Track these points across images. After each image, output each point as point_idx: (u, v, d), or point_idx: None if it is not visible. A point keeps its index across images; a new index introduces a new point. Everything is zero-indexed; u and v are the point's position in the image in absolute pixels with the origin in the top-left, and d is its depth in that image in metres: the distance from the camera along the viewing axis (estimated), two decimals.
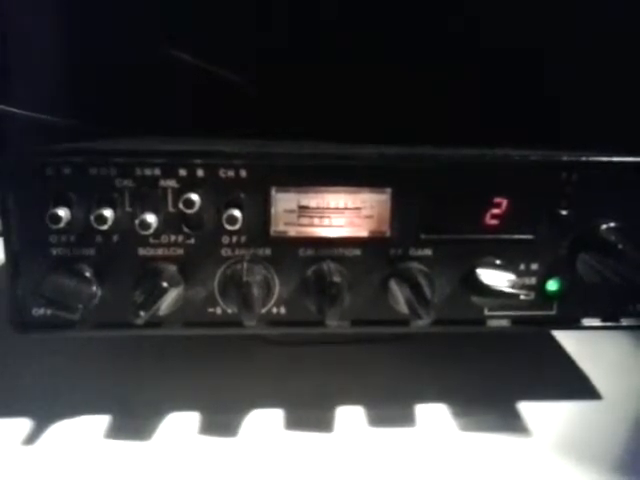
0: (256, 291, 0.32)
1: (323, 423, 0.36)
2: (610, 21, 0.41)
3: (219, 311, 0.35)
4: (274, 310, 0.35)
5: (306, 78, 0.44)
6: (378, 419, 0.37)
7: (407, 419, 0.37)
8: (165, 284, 0.32)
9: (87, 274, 0.33)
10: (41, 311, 0.34)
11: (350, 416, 0.37)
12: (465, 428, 0.36)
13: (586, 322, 0.37)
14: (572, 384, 0.41)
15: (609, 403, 0.39)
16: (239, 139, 0.37)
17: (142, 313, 0.31)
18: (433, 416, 0.37)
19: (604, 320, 0.37)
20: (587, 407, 0.39)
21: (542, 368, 0.43)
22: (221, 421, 0.36)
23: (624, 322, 0.37)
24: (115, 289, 0.34)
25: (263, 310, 0.34)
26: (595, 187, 0.35)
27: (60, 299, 0.33)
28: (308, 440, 0.35)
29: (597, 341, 0.45)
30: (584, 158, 0.35)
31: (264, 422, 0.36)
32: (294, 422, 0.36)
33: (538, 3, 0.43)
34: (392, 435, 0.36)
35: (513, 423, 0.37)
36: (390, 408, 0.38)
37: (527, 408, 0.38)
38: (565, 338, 0.45)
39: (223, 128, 0.39)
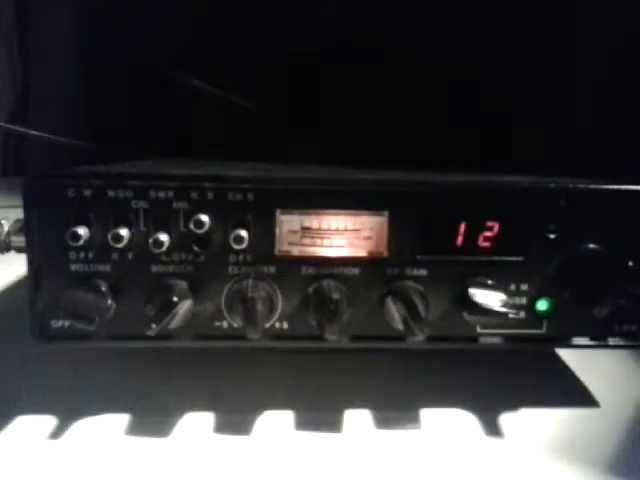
0: (260, 306, 0.34)
1: (326, 423, 0.38)
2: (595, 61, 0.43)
3: (225, 325, 0.37)
4: (277, 325, 0.37)
5: (311, 109, 0.47)
6: (377, 422, 0.38)
7: (407, 422, 0.38)
8: (176, 299, 0.34)
9: (103, 289, 0.35)
10: (60, 323, 0.36)
11: (349, 417, 0.39)
12: (464, 433, 0.38)
13: (575, 341, 0.39)
14: (570, 392, 0.42)
15: (606, 410, 0.40)
16: (247, 163, 0.39)
17: (154, 326, 0.34)
18: (432, 419, 0.39)
19: (592, 339, 0.39)
20: (585, 414, 0.40)
21: (540, 376, 0.44)
22: (230, 420, 0.38)
23: (611, 342, 0.39)
24: (129, 303, 0.36)
25: (267, 325, 0.36)
26: (581, 212, 0.37)
27: (77, 312, 0.34)
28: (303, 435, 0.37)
29: (595, 352, 0.45)
30: (571, 185, 0.37)
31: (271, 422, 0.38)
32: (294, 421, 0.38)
33: (533, 51, 0.45)
34: (393, 438, 0.37)
35: (509, 428, 0.38)
36: (390, 411, 0.39)
37: (525, 414, 0.40)
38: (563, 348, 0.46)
39: (232, 153, 0.41)
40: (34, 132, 0.41)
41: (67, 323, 0.36)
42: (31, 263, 0.36)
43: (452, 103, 0.46)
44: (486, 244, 0.37)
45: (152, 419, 0.38)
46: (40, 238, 0.35)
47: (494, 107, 0.46)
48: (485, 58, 0.46)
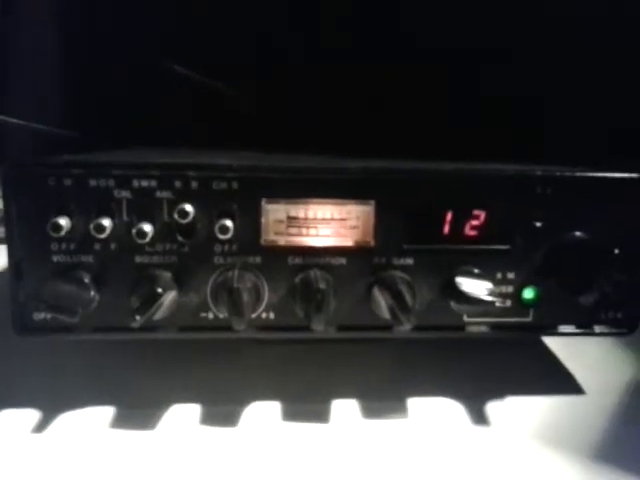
0: (246, 297, 0.34)
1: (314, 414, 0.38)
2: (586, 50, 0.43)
3: (211, 316, 0.37)
4: (263, 315, 0.37)
5: (297, 96, 0.46)
6: (367, 411, 0.38)
7: (393, 412, 0.38)
8: (160, 290, 0.34)
9: (86, 280, 0.35)
10: (42, 315, 0.36)
11: (339, 408, 0.39)
12: (450, 421, 0.38)
13: (561, 329, 0.39)
14: (556, 379, 0.42)
15: (592, 398, 0.40)
16: (232, 152, 0.39)
17: (138, 317, 0.33)
18: (421, 408, 0.39)
19: (578, 327, 0.39)
20: (571, 401, 0.40)
21: (526, 364, 0.44)
22: (217, 412, 0.38)
23: (597, 329, 0.39)
24: (112, 294, 0.35)
25: (253, 315, 0.36)
26: (567, 200, 0.37)
27: (60, 304, 0.34)
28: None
29: (580, 339, 0.45)
30: (557, 173, 0.37)
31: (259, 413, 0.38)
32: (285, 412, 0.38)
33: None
34: (381, 427, 0.37)
35: (496, 416, 0.38)
36: (379, 401, 0.39)
37: (511, 402, 0.40)
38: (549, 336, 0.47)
39: (217, 141, 0.41)
40: (14, 120, 0.41)
41: (49, 315, 0.35)
42: (12, 255, 0.35)
43: (438, 91, 0.46)
44: (472, 233, 0.37)
45: (137, 411, 0.38)
46: (20, 229, 0.35)
47: (480, 96, 0.46)
48: (475, 44, 0.46)
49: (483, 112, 0.46)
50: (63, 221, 0.33)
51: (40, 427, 0.36)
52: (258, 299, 0.36)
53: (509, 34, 0.45)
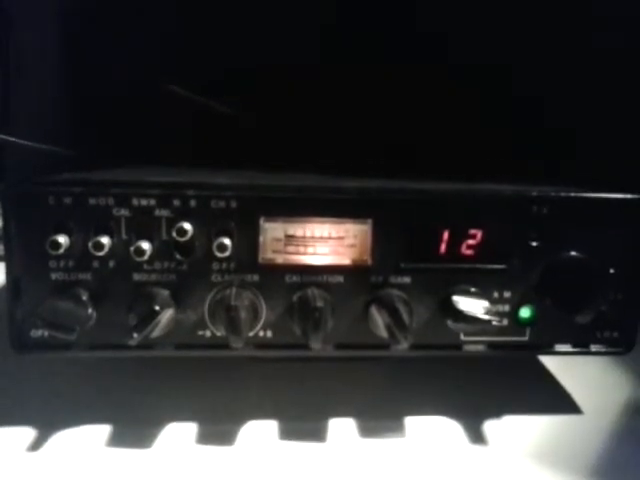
0: (243, 315, 0.34)
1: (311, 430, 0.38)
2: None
3: (208, 334, 0.37)
4: (261, 333, 0.37)
5: (295, 115, 0.47)
6: (364, 430, 0.38)
7: (393, 430, 0.38)
8: (158, 308, 0.34)
9: (84, 298, 0.35)
10: (39, 333, 0.36)
11: (336, 426, 0.38)
12: (448, 440, 0.38)
13: (558, 348, 0.39)
14: (553, 399, 0.42)
15: (590, 417, 0.40)
16: (231, 171, 0.39)
17: (135, 335, 0.33)
18: (417, 427, 0.39)
19: (575, 346, 0.39)
20: (569, 421, 0.40)
21: (523, 384, 0.44)
22: (214, 431, 0.38)
23: (593, 348, 0.39)
24: (110, 312, 0.35)
25: (250, 333, 0.36)
26: (563, 220, 0.37)
27: (58, 321, 0.34)
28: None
29: (578, 359, 0.45)
30: (553, 193, 0.37)
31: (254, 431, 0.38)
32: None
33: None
34: (378, 446, 0.37)
35: (493, 435, 0.38)
36: (376, 419, 0.39)
37: (508, 421, 0.40)
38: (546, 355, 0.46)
39: (216, 160, 0.41)
40: (14, 139, 0.41)
41: (47, 333, 0.35)
42: (10, 272, 0.35)
43: (434, 109, 0.46)
44: (469, 252, 0.37)
45: (134, 429, 0.38)
46: (20, 246, 0.35)
47: (477, 113, 0.46)
48: (479, 57, 0.46)
49: (482, 122, 0.46)
50: (62, 239, 0.34)
51: (36, 445, 0.36)
52: (256, 317, 0.36)
53: (513, 48, 0.46)
